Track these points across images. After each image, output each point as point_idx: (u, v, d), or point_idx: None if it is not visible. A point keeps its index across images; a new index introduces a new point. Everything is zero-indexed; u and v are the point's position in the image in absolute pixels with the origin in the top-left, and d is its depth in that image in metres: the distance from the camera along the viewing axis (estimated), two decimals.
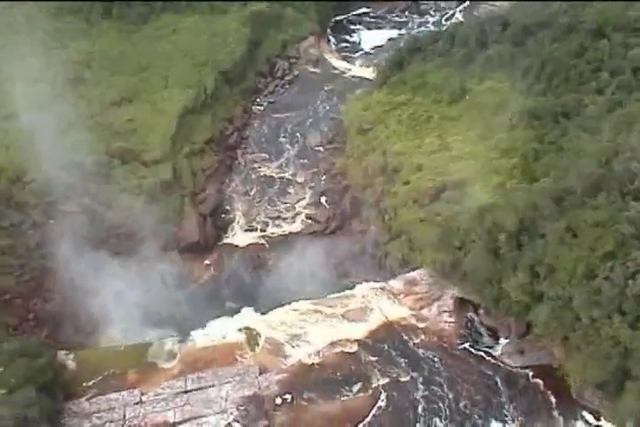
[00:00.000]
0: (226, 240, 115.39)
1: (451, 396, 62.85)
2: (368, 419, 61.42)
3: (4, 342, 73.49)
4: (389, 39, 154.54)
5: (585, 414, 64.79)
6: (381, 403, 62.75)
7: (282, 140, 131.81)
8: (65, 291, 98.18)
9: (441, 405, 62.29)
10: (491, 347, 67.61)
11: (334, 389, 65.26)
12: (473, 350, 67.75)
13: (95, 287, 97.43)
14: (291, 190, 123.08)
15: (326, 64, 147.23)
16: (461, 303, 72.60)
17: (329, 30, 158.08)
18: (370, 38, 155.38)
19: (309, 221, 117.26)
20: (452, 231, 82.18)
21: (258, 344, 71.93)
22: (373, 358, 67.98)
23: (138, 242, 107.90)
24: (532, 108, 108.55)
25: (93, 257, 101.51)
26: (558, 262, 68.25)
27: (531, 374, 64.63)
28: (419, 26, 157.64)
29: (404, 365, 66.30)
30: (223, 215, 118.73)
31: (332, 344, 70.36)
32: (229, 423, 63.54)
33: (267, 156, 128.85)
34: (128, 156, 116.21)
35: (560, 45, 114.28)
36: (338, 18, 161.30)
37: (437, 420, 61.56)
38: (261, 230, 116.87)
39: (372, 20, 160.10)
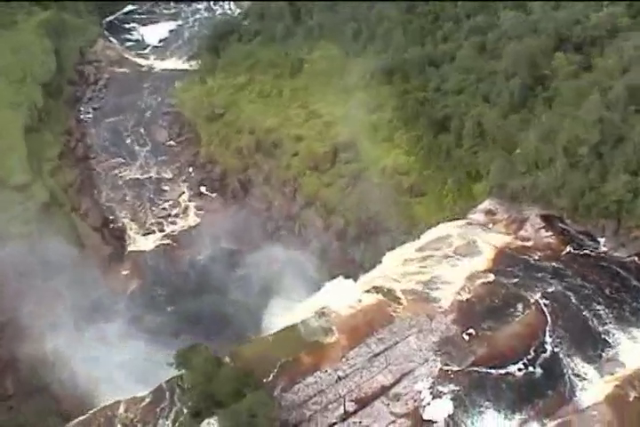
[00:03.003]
0: (131, 248, 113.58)
1: (593, 287, 70.60)
2: (549, 324, 67.42)
3: None
4: (171, 31, 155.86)
5: None
6: (547, 310, 68.68)
7: (128, 142, 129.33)
8: None
9: (593, 296, 69.81)
10: (596, 248, 76.21)
11: (503, 314, 67.74)
12: (583, 253, 76.27)
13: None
14: (165, 188, 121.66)
15: (130, 63, 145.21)
16: (547, 219, 78.88)
17: (105, 32, 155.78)
18: (150, 33, 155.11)
19: (202, 211, 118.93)
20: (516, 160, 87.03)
21: (400, 298, 71.89)
22: (514, 281, 71.24)
23: (53, 269, 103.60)
24: (385, 65, 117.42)
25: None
26: None
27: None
28: (192, 14, 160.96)
29: (541, 279, 71.60)
30: (112, 225, 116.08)
31: (470, 278, 72.28)
32: (441, 368, 64.27)
33: (122, 160, 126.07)
34: None
35: (387, 5, 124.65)
36: (108, 19, 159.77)
37: (597, 305, 69.25)
38: (160, 231, 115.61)
39: (143, 16, 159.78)
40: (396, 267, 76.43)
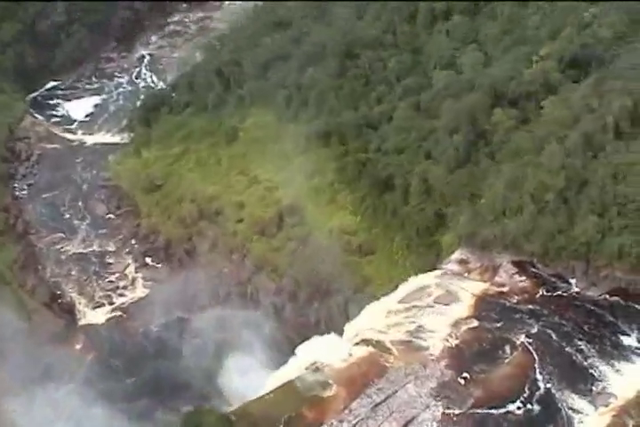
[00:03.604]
0: (82, 322, 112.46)
1: (572, 324, 73.54)
2: (537, 363, 70.13)
3: None
4: (95, 105, 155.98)
5: None
6: (533, 349, 71.34)
7: (67, 217, 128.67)
8: None
9: (572, 333, 72.91)
10: (568, 289, 79.50)
11: (492, 356, 71.01)
12: (556, 294, 79.40)
13: None
14: (110, 260, 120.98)
15: (60, 138, 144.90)
16: (519, 264, 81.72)
17: (30, 109, 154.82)
18: (75, 108, 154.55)
19: (149, 282, 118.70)
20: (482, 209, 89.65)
21: (390, 349, 74.07)
22: (497, 325, 74.26)
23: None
24: (320, 129, 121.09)
25: None
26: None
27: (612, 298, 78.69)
28: (116, 88, 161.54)
29: (521, 321, 74.23)
30: (60, 300, 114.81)
31: (455, 325, 74.84)
32: (444, 412, 66.07)
33: (62, 235, 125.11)
34: None
35: (316, 70, 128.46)
36: (32, 95, 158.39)
37: (578, 341, 72.39)
38: (109, 304, 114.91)
39: (66, 91, 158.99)
40: (381, 319, 78.50)
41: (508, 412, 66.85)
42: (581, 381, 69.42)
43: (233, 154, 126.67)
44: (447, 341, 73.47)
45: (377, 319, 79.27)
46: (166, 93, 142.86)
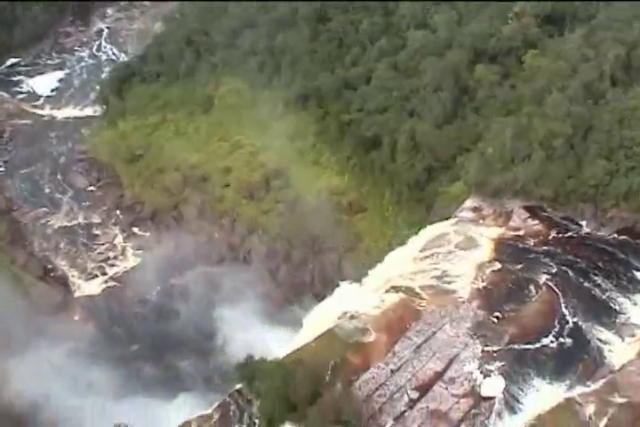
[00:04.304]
0: (77, 294, 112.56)
1: (586, 262, 76.66)
2: (561, 299, 73.26)
3: None
4: (60, 80, 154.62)
5: None
6: (555, 287, 74.43)
7: (47, 191, 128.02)
8: None
9: (588, 270, 76.17)
10: (579, 230, 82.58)
11: (519, 296, 74.12)
12: (568, 235, 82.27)
13: None
14: (97, 232, 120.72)
15: (30, 114, 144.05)
16: (530, 209, 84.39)
17: None
18: (40, 84, 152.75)
19: (140, 251, 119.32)
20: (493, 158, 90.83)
21: (420, 293, 76.07)
22: (519, 266, 77.27)
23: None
24: (297, 93, 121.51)
25: None
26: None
27: (620, 237, 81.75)
28: (78, 62, 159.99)
29: (540, 261, 76.79)
30: (52, 274, 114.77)
31: (479, 269, 77.53)
32: (483, 350, 68.83)
33: (46, 209, 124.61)
34: None
35: (289, 36, 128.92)
36: None
37: (594, 277, 75.80)
38: (103, 274, 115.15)
39: (28, 68, 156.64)
40: (406, 266, 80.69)
41: (543, 346, 69.82)
42: (605, 314, 72.72)
43: (211, 121, 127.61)
44: (474, 283, 76.01)
45: (402, 267, 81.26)
46: (136, 64, 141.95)
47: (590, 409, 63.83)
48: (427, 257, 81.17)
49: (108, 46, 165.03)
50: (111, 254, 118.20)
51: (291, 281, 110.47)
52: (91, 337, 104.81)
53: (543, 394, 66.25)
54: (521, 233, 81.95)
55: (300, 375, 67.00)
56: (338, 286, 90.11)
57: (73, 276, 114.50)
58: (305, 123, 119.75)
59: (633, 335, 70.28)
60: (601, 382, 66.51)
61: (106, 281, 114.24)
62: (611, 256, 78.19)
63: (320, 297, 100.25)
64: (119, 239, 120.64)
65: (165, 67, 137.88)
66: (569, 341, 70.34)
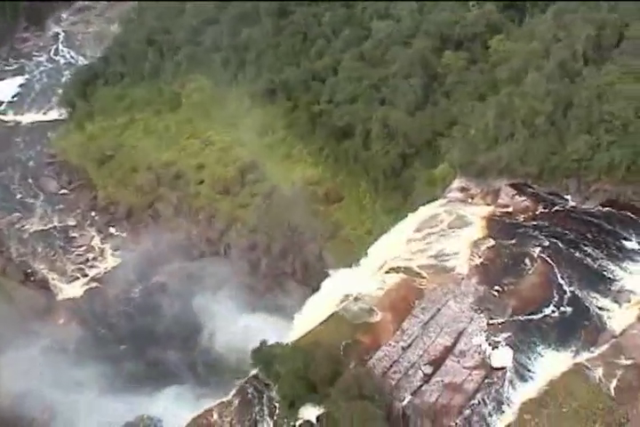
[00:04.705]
0: (60, 297, 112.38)
1: (575, 234, 78.24)
2: (557, 270, 75.09)
3: None
4: (20, 85, 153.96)
5: None
6: (550, 260, 76.21)
7: (19, 196, 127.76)
8: None
9: (577, 241, 77.63)
10: (565, 204, 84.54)
11: (516, 269, 75.84)
12: (555, 209, 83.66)
13: None
14: (74, 234, 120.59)
15: None
16: (516, 186, 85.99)
17: None
18: (1, 90, 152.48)
19: (119, 251, 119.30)
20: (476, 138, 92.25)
21: (420, 273, 77.58)
22: (512, 241, 78.88)
23: None
24: (263, 87, 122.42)
25: None
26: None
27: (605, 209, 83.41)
28: (37, 66, 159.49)
29: (532, 235, 78.63)
30: (33, 278, 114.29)
31: (474, 246, 79.04)
32: (488, 322, 70.49)
33: (19, 214, 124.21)
34: None
35: (252, 31, 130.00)
36: None
37: (584, 247, 77.66)
38: (84, 276, 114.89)
39: None
40: (402, 247, 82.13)
41: (545, 316, 71.58)
42: (599, 282, 74.63)
43: (179, 119, 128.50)
44: (471, 260, 77.75)
45: (398, 249, 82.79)
46: (98, 66, 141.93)
47: (599, 372, 65.64)
48: (421, 238, 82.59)
49: (66, 50, 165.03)
50: (90, 256, 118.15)
51: (272, 273, 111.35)
52: (77, 339, 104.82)
53: (551, 361, 68.03)
54: (510, 210, 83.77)
55: (319, 356, 68.56)
56: (325, 275, 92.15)
57: (53, 279, 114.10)
58: (273, 117, 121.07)
59: (629, 301, 72.09)
60: (605, 346, 68.30)
61: (87, 283, 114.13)
62: (598, 227, 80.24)
63: (305, 286, 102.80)
64: (96, 241, 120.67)
65: (129, 67, 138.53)
66: (569, 309, 72.16)
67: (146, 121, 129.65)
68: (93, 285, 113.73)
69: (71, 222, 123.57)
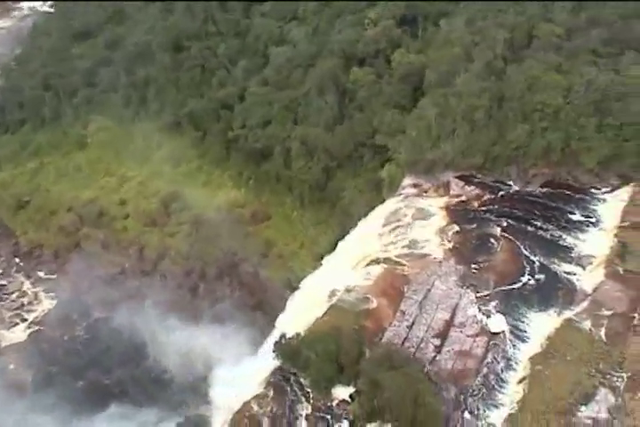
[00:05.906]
0: (3, 345, 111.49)
1: (524, 212, 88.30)
2: (520, 244, 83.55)
3: None
4: None
5: None
6: (512, 237, 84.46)
7: None
8: None
9: (528, 217, 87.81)
10: (509, 190, 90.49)
11: (485, 248, 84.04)
12: (501, 194, 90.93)
13: None
14: (3, 282, 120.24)
15: None
16: (463, 178, 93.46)
17: None
18: None
19: (53, 293, 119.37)
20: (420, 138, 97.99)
21: (399, 261, 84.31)
22: (474, 225, 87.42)
23: None
24: (169, 121, 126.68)
25: None
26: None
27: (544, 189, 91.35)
28: None
29: (489, 219, 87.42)
30: None
31: (442, 231, 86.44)
32: (476, 296, 78.38)
33: None
34: None
35: (149, 68, 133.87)
36: None
37: (535, 222, 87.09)
38: (23, 321, 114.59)
39: None
40: (374, 241, 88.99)
41: (523, 284, 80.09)
42: (559, 251, 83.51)
43: (90, 159, 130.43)
44: (443, 245, 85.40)
45: (371, 243, 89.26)
46: None
47: (588, 324, 74.61)
48: (391, 231, 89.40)
49: None
50: (24, 300, 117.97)
51: (210, 296, 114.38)
52: (31, 381, 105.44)
53: (540, 321, 76.47)
54: (464, 198, 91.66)
55: (345, 339, 74.88)
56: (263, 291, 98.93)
57: None
58: (184, 147, 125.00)
59: (591, 263, 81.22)
60: (584, 303, 77.12)
61: (29, 326, 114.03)
62: (543, 206, 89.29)
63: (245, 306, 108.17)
64: (27, 285, 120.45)
65: (27, 113, 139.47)
66: (542, 276, 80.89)
67: (55, 164, 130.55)
68: (36, 328, 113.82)
69: None
